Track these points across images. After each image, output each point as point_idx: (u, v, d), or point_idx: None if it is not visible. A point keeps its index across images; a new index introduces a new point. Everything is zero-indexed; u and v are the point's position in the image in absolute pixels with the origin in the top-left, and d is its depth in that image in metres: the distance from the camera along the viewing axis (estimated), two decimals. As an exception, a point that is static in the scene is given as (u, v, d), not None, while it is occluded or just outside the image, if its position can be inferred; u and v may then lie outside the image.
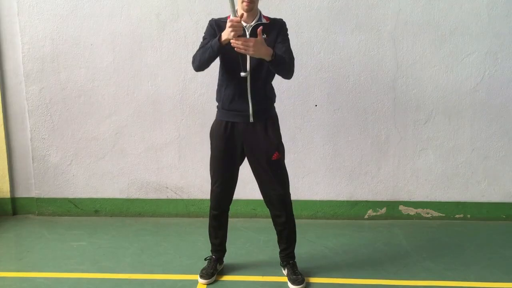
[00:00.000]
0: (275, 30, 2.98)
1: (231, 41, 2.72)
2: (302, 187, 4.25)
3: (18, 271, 3.46)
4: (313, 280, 3.29)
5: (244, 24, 2.91)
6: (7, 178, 4.36)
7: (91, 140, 4.28)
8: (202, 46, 2.93)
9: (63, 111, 4.25)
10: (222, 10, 3.99)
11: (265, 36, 2.92)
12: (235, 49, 2.73)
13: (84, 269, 3.45)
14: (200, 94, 4.14)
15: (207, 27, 3.02)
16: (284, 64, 2.88)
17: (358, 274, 3.36)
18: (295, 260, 3.32)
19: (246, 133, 3.04)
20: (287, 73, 2.96)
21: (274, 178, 3.09)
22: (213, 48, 2.80)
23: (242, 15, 2.81)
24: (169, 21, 4.08)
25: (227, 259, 3.47)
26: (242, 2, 2.85)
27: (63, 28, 4.12)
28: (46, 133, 4.28)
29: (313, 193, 4.27)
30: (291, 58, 2.96)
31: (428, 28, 4.00)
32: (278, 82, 4.09)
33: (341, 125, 4.16)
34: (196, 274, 3.32)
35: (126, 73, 4.17)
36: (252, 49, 2.71)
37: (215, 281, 3.28)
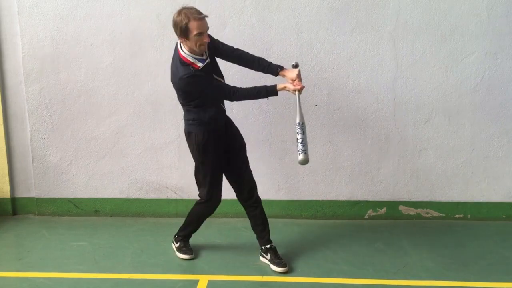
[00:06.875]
0: (210, 50, 3.31)
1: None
2: (302, 187, 4.25)
3: (18, 271, 3.46)
4: (313, 280, 3.29)
5: (203, 58, 3.24)
6: (7, 178, 4.36)
7: (91, 140, 4.28)
8: (238, 89, 3.31)
9: (63, 111, 4.24)
10: (222, 10, 4.00)
11: (209, 61, 3.28)
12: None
13: (84, 269, 3.45)
14: (200, 94, 4.13)
15: (199, 80, 3.21)
16: None
17: (358, 274, 3.36)
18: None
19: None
20: None
21: None
22: (269, 94, 3.34)
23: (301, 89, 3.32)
24: (169, 21, 4.02)
25: (227, 259, 3.49)
26: (200, 46, 3.17)
27: (63, 28, 4.11)
28: (46, 133, 4.28)
29: (313, 193, 4.27)
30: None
31: (428, 28, 4.00)
32: (278, 81, 4.11)
33: (341, 125, 4.16)
34: (196, 274, 3.33)
35: (126, 73, 4.17)
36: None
37: (215, 281, 3.29)
